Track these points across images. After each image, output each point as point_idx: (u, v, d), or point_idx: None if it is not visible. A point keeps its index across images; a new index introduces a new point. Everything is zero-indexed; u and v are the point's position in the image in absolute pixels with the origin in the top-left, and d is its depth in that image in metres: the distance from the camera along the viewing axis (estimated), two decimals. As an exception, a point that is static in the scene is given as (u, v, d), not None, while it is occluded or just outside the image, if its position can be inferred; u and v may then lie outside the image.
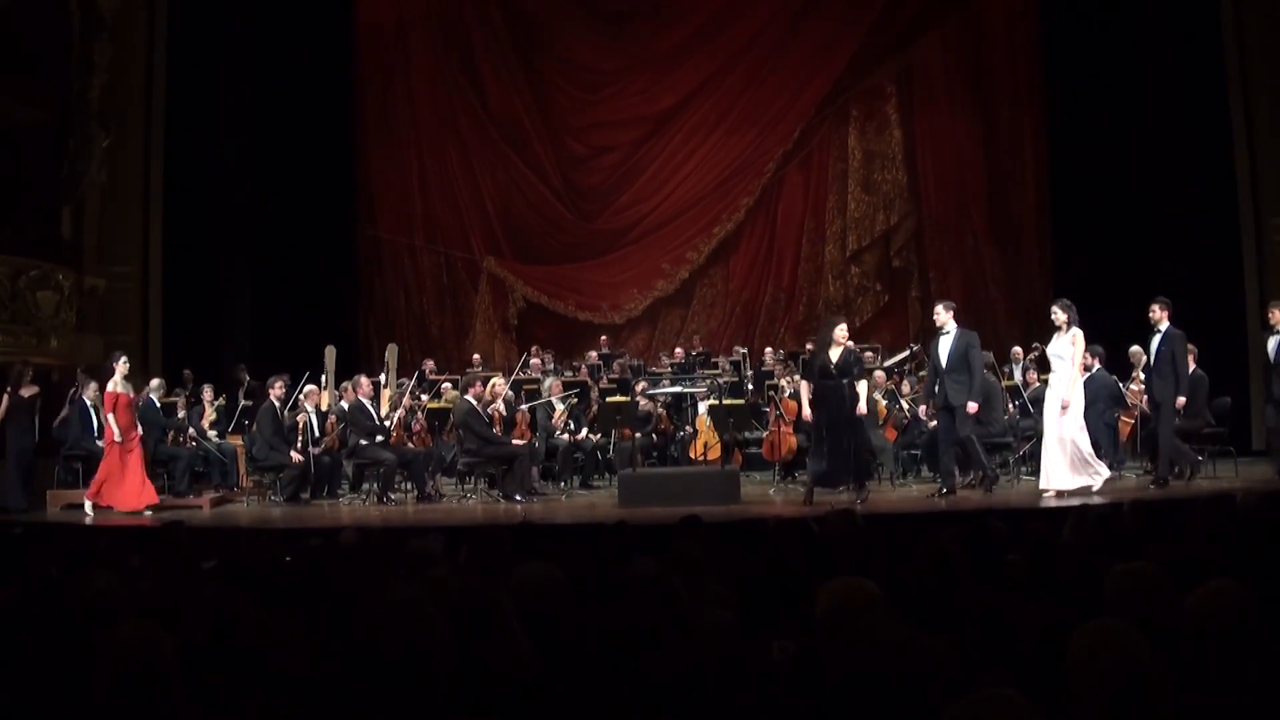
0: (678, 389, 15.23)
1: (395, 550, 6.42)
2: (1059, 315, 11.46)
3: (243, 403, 15.13)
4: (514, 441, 13.39)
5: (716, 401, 14.20)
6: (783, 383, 14.73)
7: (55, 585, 5.00)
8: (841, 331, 11.64)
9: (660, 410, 15.20)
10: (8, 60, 15.08)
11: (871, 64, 19.89)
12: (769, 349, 17.67)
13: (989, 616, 3.85)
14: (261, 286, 18.77)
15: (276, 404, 13.78)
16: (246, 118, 18.82)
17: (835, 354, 11.47)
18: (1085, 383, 12.65)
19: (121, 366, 12.99)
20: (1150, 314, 11.71)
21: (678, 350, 18.12)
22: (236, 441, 14.70)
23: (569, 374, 16.69)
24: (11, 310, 14.88)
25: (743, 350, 17.30)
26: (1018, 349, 14.93)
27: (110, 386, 12.87)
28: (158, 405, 14.11)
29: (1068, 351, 11.33)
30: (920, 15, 19.66)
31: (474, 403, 13.29)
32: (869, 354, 15.46)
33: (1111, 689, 2.75)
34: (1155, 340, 11.73)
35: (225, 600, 4.16)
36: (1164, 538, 5.99)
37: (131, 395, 13.17)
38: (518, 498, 12.92)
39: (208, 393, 15.03)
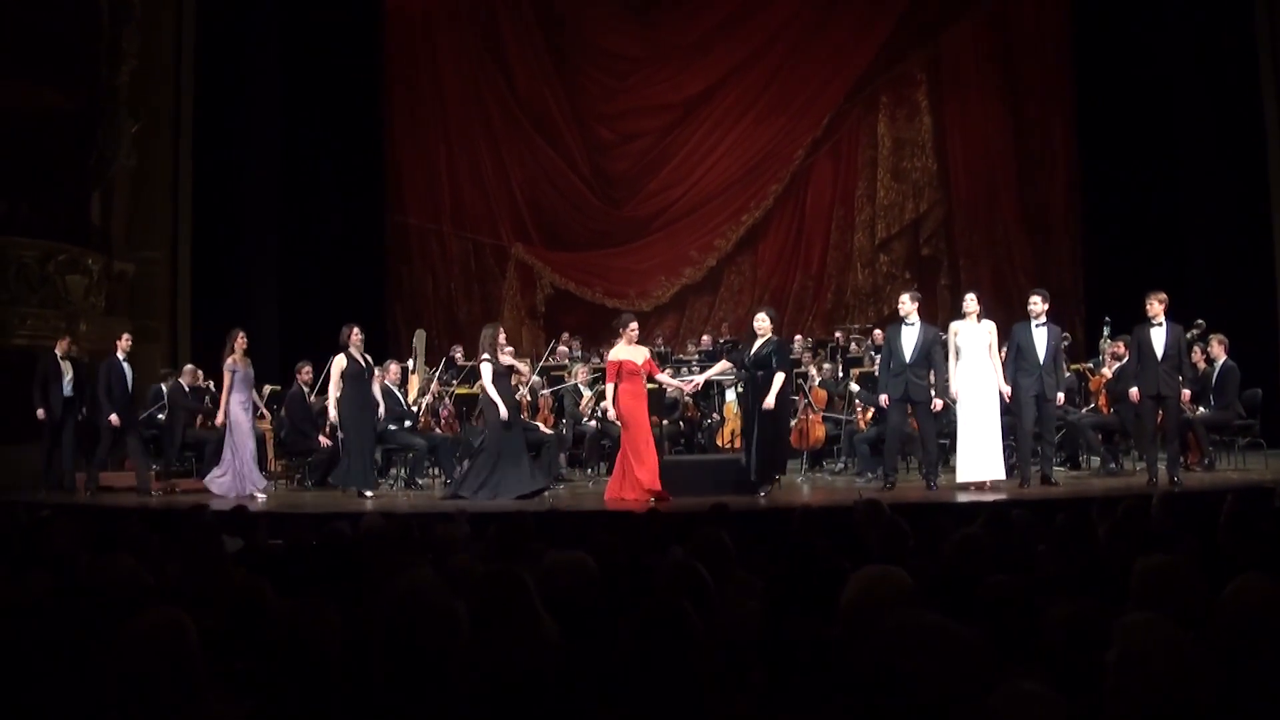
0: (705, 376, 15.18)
1: (421, 536, 6.42)
2: (972, 305, 11.38)
3: (270, 387, 15.14)
4: (540, 428, 13.38)
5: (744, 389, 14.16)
6: (811, 370, 14.70)
7: (84, 569, 5.02)
8: (761, 322, 11.49)
9: (687, 397, 15.16)
10: (38, 47, 15.15)
11: (902, 51, 19.80)
12: (798, 337, 17.57)
13: (1017, 608, 3.82)
14: (289, 272, 18.81)
15: (304, 389, 13.81)
16: (275, 104, 18.86)
17: (754, 345, 11.41)
18: (1116, 372, 12.63)
19: (630, 333, 11.65)
20: (1149, 307, 11.21)
21: (704, 338, 18.08)
22: (265, 426, 14.73)
23: (596, 360, 16.69)
24: (41, 294, 14.98)
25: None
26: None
27: (613, 355, 11.76)
28: (186, 390, 14.11)
29: (985, 341, 11.28)
30: (951, 2, 19.56)
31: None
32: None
33: (1155, 687, 2.72)
34: (1159, 333, 11.14)
35: (250, 586, 4.16)
36: (1194, 530, 5.95)
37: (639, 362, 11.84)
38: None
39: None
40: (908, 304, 11.55)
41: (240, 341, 12.86)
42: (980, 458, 11.21)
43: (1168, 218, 17.24)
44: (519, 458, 11.88)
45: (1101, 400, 13.04)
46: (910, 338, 11.38)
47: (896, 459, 11.92)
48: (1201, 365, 13.14)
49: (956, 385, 11.33)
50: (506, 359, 12.09)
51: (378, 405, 12.80)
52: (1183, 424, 12.35)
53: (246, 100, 18.49)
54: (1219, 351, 12.82)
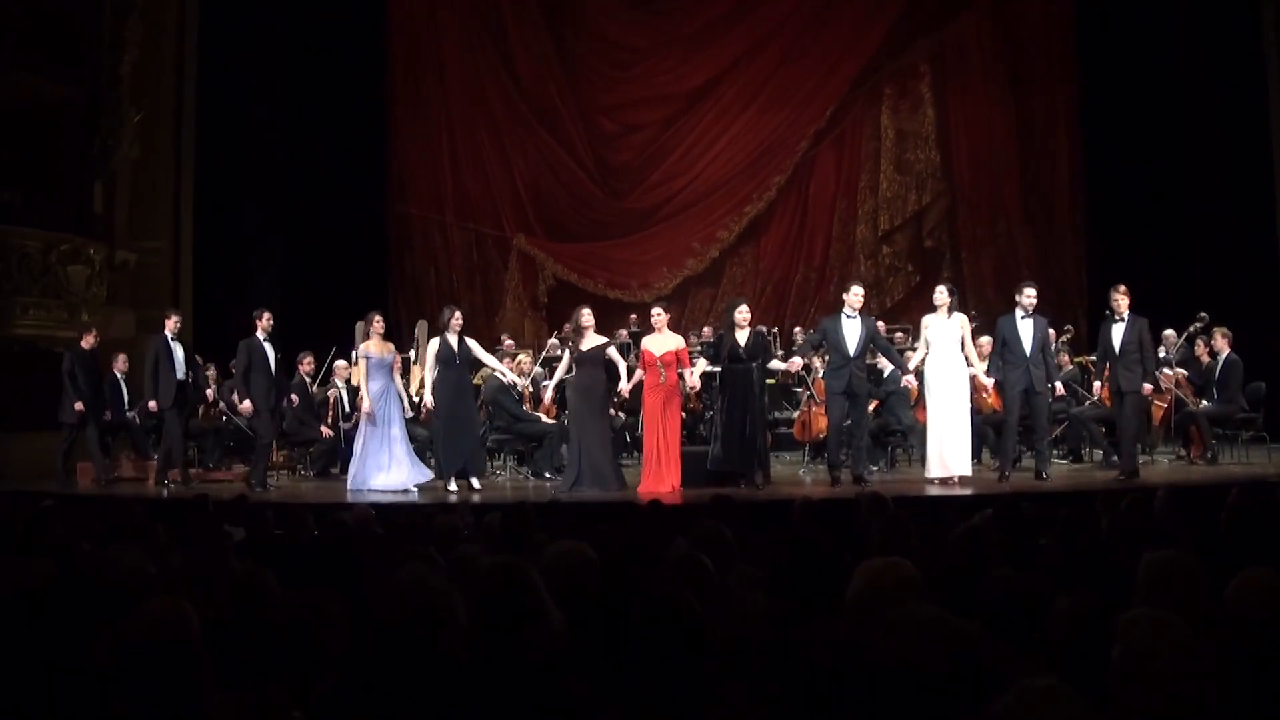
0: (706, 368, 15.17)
1: (423, 527, 6.42)
2: (943, 297, 11.37)
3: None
4: (542, 419, 13.39)
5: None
6: (815, 362, 14.67)
7: (87, 559, 5.02)
8: (743, 314, 11.51)
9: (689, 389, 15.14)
10: (40, 37, 15.14)
11: (905, 42, 19.74)
12: (799, 328, 17.58)
13: (1021, 602, 3.81)
14: (291, 262, 18.81)
15: (306, 379, 13.81)
16: (277, 94, 18.85)
17: (743, 336, 11.37)
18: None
19: (654, 320, 11.78)
20: (1113, 302, 11.22)
21: (705, 329, 18.05)
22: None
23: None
24: (43, 284, 14.97)
25: (773, 330, 17.24)
26: (1050, 330, 14.81)
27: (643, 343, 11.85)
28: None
29: (955, 335, 11.27)
30: (954, -7, 19.56)
31: (503, 380, 13.29)
32: (899, 334, 15.39)
33: (1159, 682, 2.71)
34: (1119, 328, 11.19)
35: (253, 576, 4.16)
36: (1197, 524, 5.94)
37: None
38: (547, 475, 12.92)
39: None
40: (861, 295, 11.51)
41: (377, 325, 12.18)
42: (948, 453, 11.20)
43: (1171, 210, 17.23)
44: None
45: (1104, 393, 13.03)
46: (854, 330, 11.28)
47: (840, 454, 11.74)
48: (1204, 359, 13.13)
49: (927, 377, 11.38)
50: (592, 340, 11.80)
51: (476, 389, 12.59)
52: (1185, 417, 12.37)
53: (249, 90, 18.48)
54: (1222, 345, 12.81)
